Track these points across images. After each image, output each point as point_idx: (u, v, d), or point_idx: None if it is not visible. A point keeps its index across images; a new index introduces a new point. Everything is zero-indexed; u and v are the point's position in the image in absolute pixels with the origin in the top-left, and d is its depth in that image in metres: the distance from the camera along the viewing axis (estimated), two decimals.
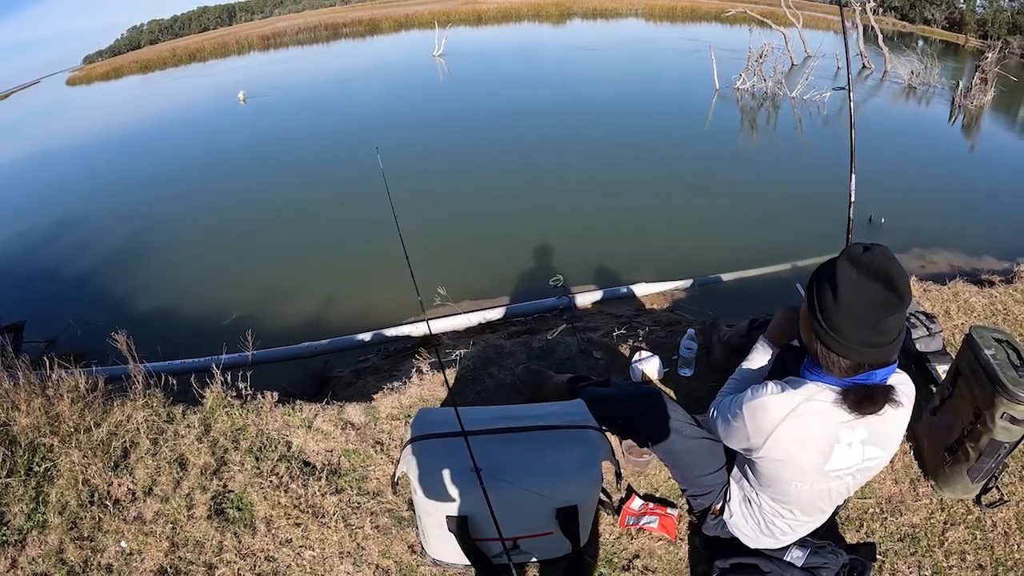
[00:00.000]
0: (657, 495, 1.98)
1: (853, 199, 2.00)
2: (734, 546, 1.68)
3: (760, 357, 1.60)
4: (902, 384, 1.30)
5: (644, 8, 29.16)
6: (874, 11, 16.70)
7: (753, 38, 12.15)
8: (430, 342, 3.98)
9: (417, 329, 4.01)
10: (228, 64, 20.67)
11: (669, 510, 1.89)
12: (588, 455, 1.42)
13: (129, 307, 4.94)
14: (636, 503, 1.90)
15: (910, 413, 1.34)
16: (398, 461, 1.44)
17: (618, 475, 1.65)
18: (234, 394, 2.37)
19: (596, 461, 1.42)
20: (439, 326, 4.02)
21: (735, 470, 1.62)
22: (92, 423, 2.16)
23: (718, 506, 1.69)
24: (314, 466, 2.06)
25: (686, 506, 1.90)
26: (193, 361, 3.76)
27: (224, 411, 2.27)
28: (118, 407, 2.25)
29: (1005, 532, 1.94)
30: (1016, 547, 1.91)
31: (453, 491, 1.34)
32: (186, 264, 5.72)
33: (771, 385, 1.34)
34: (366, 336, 4.01)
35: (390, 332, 4.02)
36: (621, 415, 1.76)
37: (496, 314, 4.14)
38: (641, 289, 4.41)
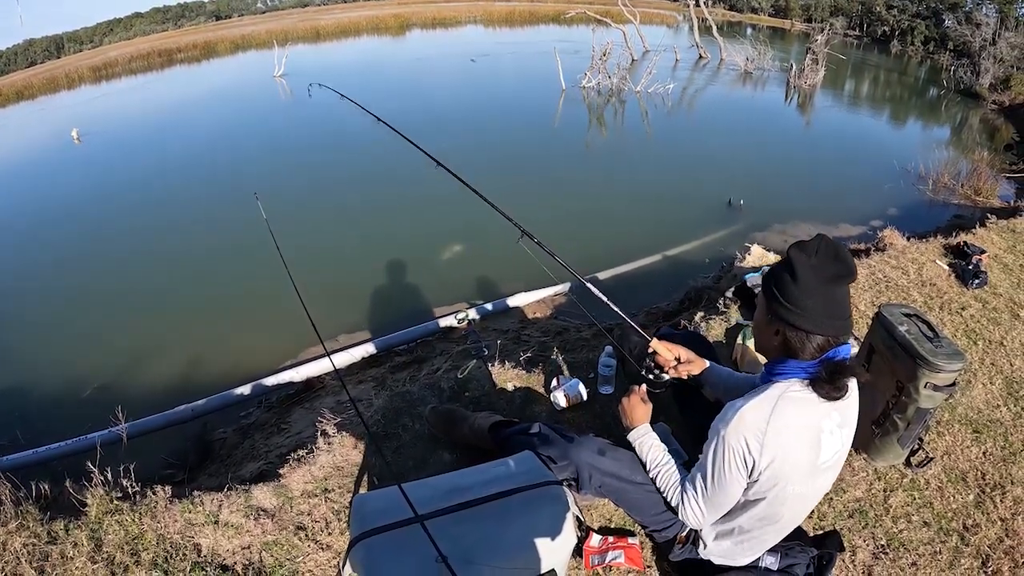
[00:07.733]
0: (612, 526, 1.89)
1: None
2: (707, 566, 1.62)
3: (655, 449, 1.57)
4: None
5: (482, 15, 29.33)
6: (706, 3, 18.04)
7: (596, 37, 12.48)
8: (315, 386, 3.70)
9: (298, 374, 3.77)
10: (59, 100, 18.36)
11: (630, 540, 1.79)
12: (557, 515, 1.28)
13: None
14: (595, 539, 1.78)
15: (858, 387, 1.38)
16: (343, 563, 1.23)
17: (579, 520, 1.54)
18: (119, 494, 2.00)
19: (567, 519, 1.29)
20: (321, 367, 3.78)
21: None
22: None
23: (683, 534, 1.62)
24: (234, 570, 1.75)
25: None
26: (60, 445, 3.31)
27: (113, 519, 1.90)
28: None
29: (939, 487, 2.07)
30: (951, 498, 2.04)
31: None
32: (34, 330, 4.91)
33: (738, 401, 1.31)
34: (245, 389, 3.70)
35: (270, 381, 3.74)
36: (565, 471, 1.60)
37: (374, 348, 3.99)
38: (520, 300, 4.35)
